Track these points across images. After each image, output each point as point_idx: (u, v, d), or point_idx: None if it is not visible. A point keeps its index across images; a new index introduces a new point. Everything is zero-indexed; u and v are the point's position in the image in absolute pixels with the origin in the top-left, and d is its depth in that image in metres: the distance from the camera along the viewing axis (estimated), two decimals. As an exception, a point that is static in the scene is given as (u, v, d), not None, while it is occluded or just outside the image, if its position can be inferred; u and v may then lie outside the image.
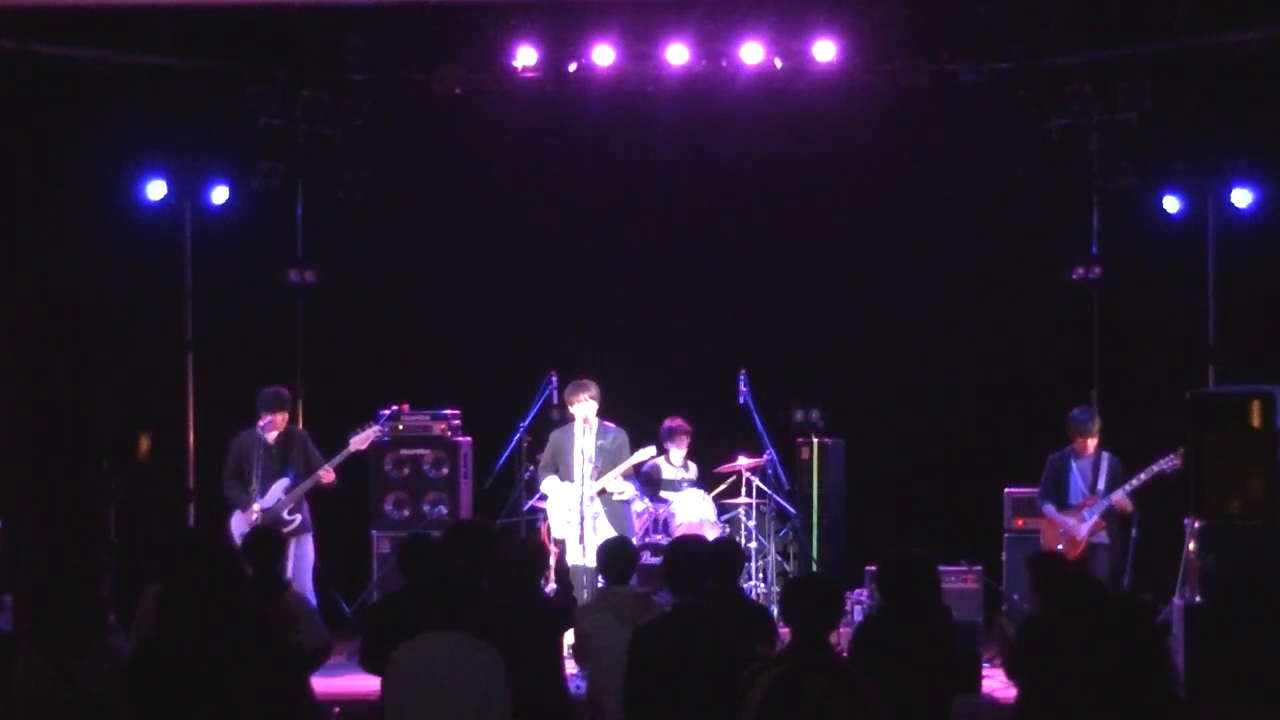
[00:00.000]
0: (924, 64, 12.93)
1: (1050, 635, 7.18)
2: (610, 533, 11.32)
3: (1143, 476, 11.03)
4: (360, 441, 11.61)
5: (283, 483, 11.29)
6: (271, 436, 11.39)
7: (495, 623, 6.39)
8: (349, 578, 12.70)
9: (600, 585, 7.92)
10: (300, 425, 12.55)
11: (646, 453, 11.67)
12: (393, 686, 6.35)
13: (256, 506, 11.18)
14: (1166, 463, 10.98)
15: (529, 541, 8.71)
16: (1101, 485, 11.16)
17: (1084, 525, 11.11)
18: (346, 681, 9.91)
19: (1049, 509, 11.29)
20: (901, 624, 6.96)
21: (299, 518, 11.26)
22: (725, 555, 7.95)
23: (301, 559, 11.25)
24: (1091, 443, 11.24)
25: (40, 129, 12.72)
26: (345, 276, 13.93)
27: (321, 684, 8.13)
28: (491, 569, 7.12)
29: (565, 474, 11.51)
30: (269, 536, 8.16)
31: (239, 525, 11.14)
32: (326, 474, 11.33)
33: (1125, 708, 5.47)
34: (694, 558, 7.22)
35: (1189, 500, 10.52)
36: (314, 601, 9.66)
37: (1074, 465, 11.28)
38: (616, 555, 7.75)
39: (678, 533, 11.95)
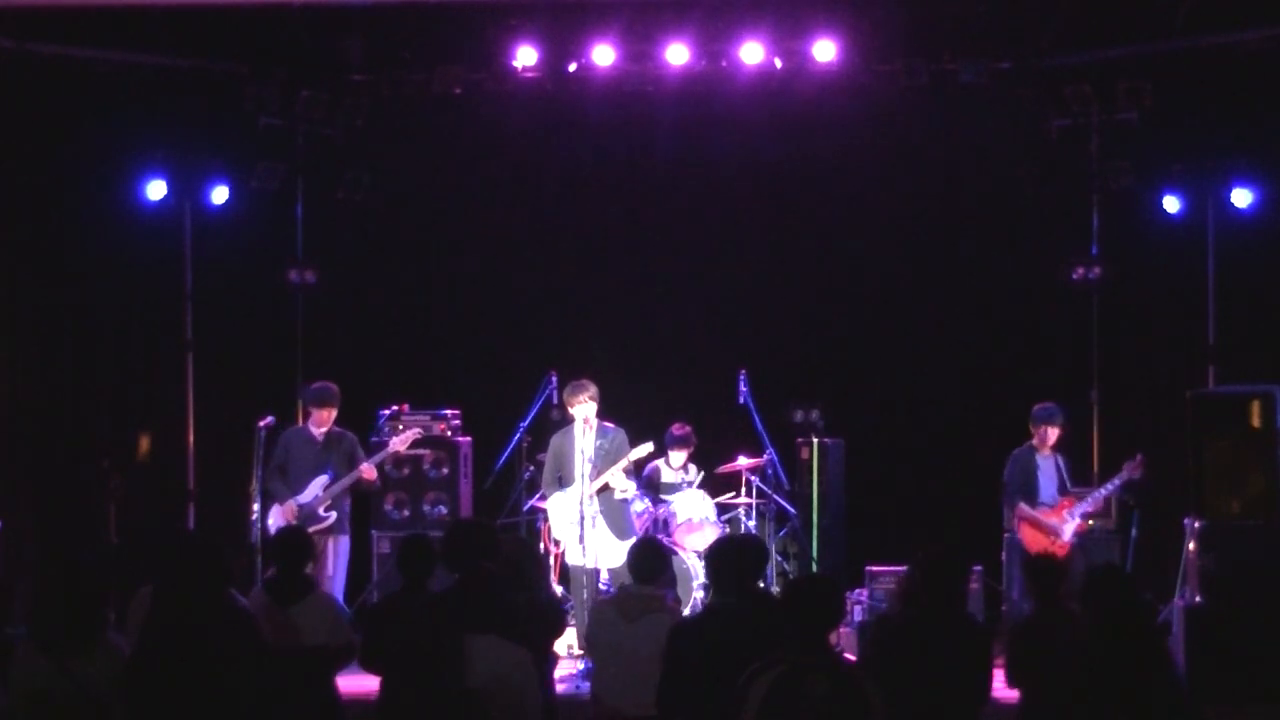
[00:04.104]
0: (924, 64, 12.93)
1: (1050, 635, 7.18)
2: (609, 533, 11.34)
3: (1116, 482, 11.20)
4: (400, 442, 11.63)
5: (321, 479, 11.30)
6: (319, 433, 11.43)
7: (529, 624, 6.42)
8: (349, 578, 12.67)
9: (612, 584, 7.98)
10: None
11: (645, 449, 11.65)
12: None
13: (256, 507, 11.21)
14: (1130, 469, 11.21)
15: (522, 542, 8.70)
16: (1068, 484, 11.40)
17: (1068, 525, 11.23)
18: (347, 682, 9.88)
19: (1025, 507, 11.38)
20: (937, 626, 6.72)
21: (334, 515, 11.27)
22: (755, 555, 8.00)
23: (335, 558, 11.28)
24: (1054, 435, 11.40)
25: (40, 129, 12.72)
26: (345, 276, 13.91)
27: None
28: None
29: (567, 478, 11.51)
30: (294, 538, 8.13)
31: (277, 519, 11.18)
32: (369, 470, 11.34)
33: (1126, 708, 5.47)
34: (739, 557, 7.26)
35: (1189, 500, 10.54)
36: (341, 601, 9.67)
37: (1039, 462, 11.45)
38: (641, 554, 7.77)
39: (678, 533, 11.94)
